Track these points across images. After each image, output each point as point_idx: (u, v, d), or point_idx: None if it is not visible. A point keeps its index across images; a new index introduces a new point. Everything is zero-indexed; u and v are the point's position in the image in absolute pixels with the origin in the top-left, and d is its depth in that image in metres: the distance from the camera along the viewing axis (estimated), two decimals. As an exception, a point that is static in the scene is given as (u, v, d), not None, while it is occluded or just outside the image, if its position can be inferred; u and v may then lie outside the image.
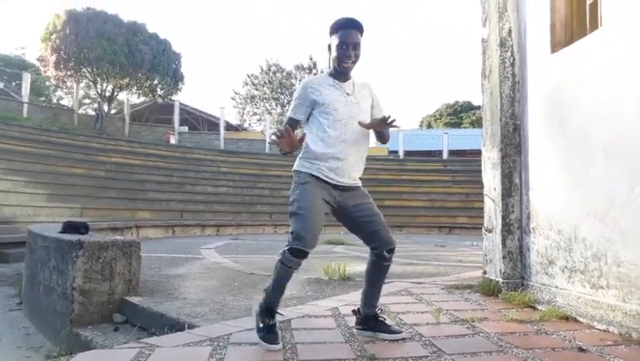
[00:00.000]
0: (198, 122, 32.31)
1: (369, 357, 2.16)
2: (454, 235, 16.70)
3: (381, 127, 2.49)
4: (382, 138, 2.61)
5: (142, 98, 28.66)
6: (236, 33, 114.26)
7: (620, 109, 2.69)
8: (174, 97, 27.71)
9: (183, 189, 18.08)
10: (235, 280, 4.71)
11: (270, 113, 33.15)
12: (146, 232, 11.89)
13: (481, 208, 4.00)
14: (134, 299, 3.63)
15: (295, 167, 2.52)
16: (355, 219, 2.50)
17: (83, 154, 17.31)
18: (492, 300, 3.50)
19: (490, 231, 3.83)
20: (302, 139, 2.30)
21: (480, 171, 4.04)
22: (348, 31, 2.43)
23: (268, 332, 2.32)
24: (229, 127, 30.65)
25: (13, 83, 30.48)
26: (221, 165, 21.51)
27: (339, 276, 4.67)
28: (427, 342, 2.41)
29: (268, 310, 2.37)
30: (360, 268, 2.65)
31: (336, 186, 2.45)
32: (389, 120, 2.40)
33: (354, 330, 2.59)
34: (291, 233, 2.34)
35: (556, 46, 3.37)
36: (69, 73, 23.82)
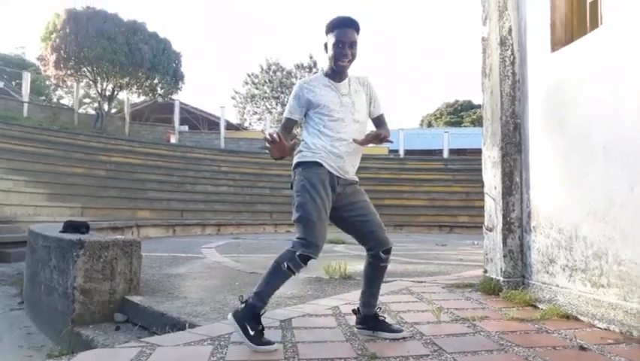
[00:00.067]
0: (198, 121, 32.31)
1: (370, 356, 2.16)
2: (455, 234, 16.69)
3: (375, 142, 2.48)
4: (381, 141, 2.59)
5: (142, 98, 28.68)
6: (236, 32, 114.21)
7: (620, 108, 2.69)
8: (174, 96, 27.75)
9: (184, 189, 18.09)
10: (236, 280, 4.71)
11: (271, 113, 33.18)
12: (147, 232, 11.90)
13: (482, 207, 4.00)
14: (135, 299, 3.63)
15: (298, 159, 2.46)
16: (350, 218, 2.49)
17: (83, 153, 17.32)
18: (493, 299, 3.50)
19: (490, 230, 3.83)
20: (292, 147, 2.29)
21: (480, 170, 4.04)
22: (344, 29, 2.42)
23: (261, 335, 2.29)
24: (229, 126, 30.65)
25: (14, 83, 30.49)
26: (222, 164, 21.52)
27: (339, 275, 4.67)
28: (428, 341, 2.41)
29: (256, 317, 2.31)
30: (361, 266, 2.65)
31: (337, 178, 2.44)
32: (382, 136, 2.40)
33: (355, 329, 2.60)
34: (301, 239, 2.31)
35: (556, 44, 3.37)
36: (69, 72, 23.83)
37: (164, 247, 8.71)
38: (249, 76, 35.31)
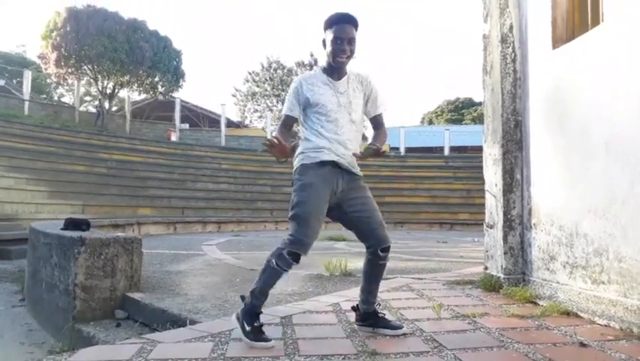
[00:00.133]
0: (199, 119, 32.30)
1: (370, 352, 2.16)
2: (456, 231, 16.69)
3: (373, 156, 2.46)
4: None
5: (143, 96, 28.69)
6: (237, 31, 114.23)
7: (621, 105, 2.69)
8: (175, 94, 27.72)
9: (184, 186, 18.11)
10: (236, 276, 4.72)
11: (271, 110, 33.14)
12: (148, 229, 11.91)
13: (483, 204, 4.00)
14: (136, 295, 3.64)
15: (298, 162, 2.47)
16: (351, 215, 2.48)
17: (84, 151, 17.34)
18: (493, 295, 3.50)
19: (491, 227, 3.83)
20: (293, 148, 2.29)
21: (481, 167, 4.04)
22: (342, 26, 2.41)
23: (258, 332, 2.29)
24: (230, 124, 30.65)
25: (15, 81, 30.49)
26: (223, 161, 21.53)
27: (340, 272, 4.67)
28: (428, 337, 2.41)
29: (252, 314, 2.33)
30: (362, 264, 2.65)
31: (341, 173, 2.44)
32: (381, 152, 2.39)
33: (355, 326, 2.60)
34: (290, 236, 2.33)
35: (557, 42, 3.36)
36: (70, 70, 23.82)
37: (165, 244, 8.72)
38: (250, 74, 35.28)
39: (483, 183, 3.99)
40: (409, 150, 27.17)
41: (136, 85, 25.97)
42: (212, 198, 17.95)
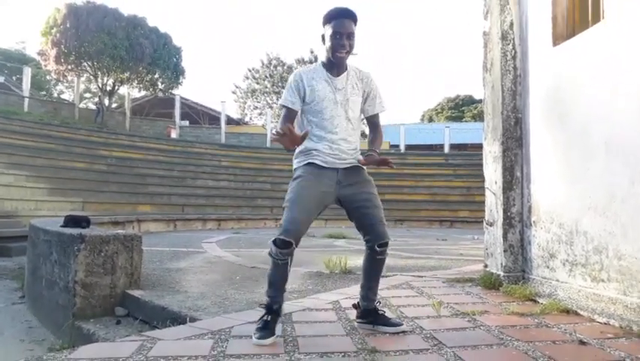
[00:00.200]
0: (199, 116, 32.28)
1: (370, 350, 2.16)
2: (455, 229, 16.71)
3: (379, 165, 2.46)
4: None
5: (143, 92, 28.65)
6: (237, 29, 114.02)
7: (622, 103, 2.68)
8: (175, 91, 27.72)
9: (184, 183, 18.12)
10: (237, 274, 4.72)
11: (271, 107, 33.15)
12: (148, 226, 11.91)
13: (483, 202, 4.00)
14: (136, 293, 3.64)
15: (296, 164, 2.53)
16: (353, 209, 2.49)
17: (84, 148, 17.34)
18: (493, 293, 3.50)
19: (491, 224, 3.83)
20: (304, 136, 2.28)
21: (481, 165, 4.04)
22: (341, 20, 2.40)
23: (263, 327, 2.30)
24: (230, 121, 30.64)
25: (14, 78, 30.46)
26: (223, 159, 21.53)
27: (340, 269, 4.68)
28: (428, 335, 2.41)
29: (267, 307, 2.36)
30: (361, 261, 2.65)
31: (336, 169, 2.46)
32: (386, 162, 2.39)
33: (355, 323, 2.60)
34: (280, 226, 2.37)
35: (557, 39, 3.36)
36: (70, 67, 23.82)
37: (165, 241, 8.72)
38: (250, 71, 35.32)
39: (483, 181, 3.99)
40: (409, 147, 27.17)
41: (136, 82, 25.96)
42: (212, 195, 17.96)
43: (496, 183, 3.76)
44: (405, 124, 29.71)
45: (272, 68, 34.71)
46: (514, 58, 3.76)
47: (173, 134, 25.40)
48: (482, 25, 4.05)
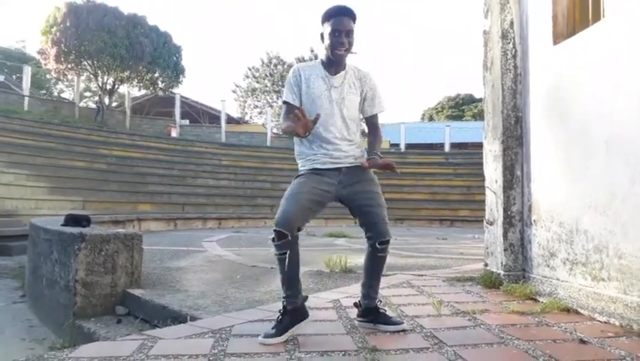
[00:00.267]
0: (199, 115, 32.26)
1: (370, 349, 2.16)
2: (456, 228, 16.71)
3: (383, 169, 2.44)
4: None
5: (143, 91, 28.59)
6: (237, 29, 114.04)
7: (622, 102, 2.68)
8: (175, 90, 27.65)
9: (185, 182, 18.10)
10: (237, 273, 4.72)
11: (271, 106, 33.08)
12: (148, 225, 11.91)
13: (483, 201, 4.00)
14: (137, 292, 3.64)
15: (298, 166, 2.57)
16: (356, 208, 2.51)
17: (84, 147, 17.33)
18: (493, 292, 3.50)
19: (491, 223, 3.83)
20: (315, 120, 2.27)
21: (482, 164, 4.04)
22: (340, 18, 2.40)
23: (273, 326, 2.32)
24: (230, 120, 30.61)
25: (14, 76, 30.43)
26: (223, 158, 21.52)
27: (340, 268, 4.68)
28: (428, 334, 2.42)
29: (283, 306, 2.37)
30: (362, 260, 2.65)
31: (337, 170, 2.46)
32: (391, 167, 2.38)
33: (356, 322, 2.60)
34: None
35: (558, 37, 3.36)
36: (70, 66, 23.76)
37: (166, 240, 8.72)
38: (250, 69, 35.18)
39: (483, 180, 3.99)
40: (409, 146, 27.14)
41: (136, 81, 25.90)
42: (212, 194, 17.95)
43: (496, 182, 3.76)
44: (405, 123, 29.66)
45: (272, 66, 34.62)
46: (514, 57, 3.75)
47: (174, 133, 25.38)
48: (482, 24, 4.04)
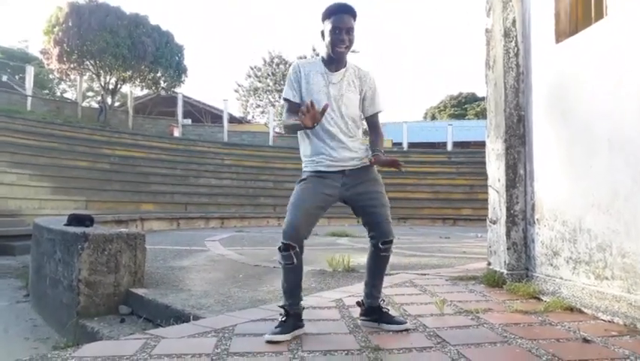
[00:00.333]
0: (202, 114, 32.29)
1: (373, 348, 2.16)
2: (459, 227, 16.69)
3: (388, 166, 2.46)
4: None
5: (145, 91, 28.63)
6: (239, 29, 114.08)
7: (625, 100, 2.67)
8: (177, 89, 27.68)
9: (187, 182, 18.13)
10: (240, 272, 4.73)
11: (274, 105, 33.10)
12: (151, 225, 11.92)
13: (486, 200, 4.00)
14: (140, 291, 3.65)
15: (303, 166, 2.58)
16: (359, 208, 2.51)
17: (86, 147, 17.36)
18: (496, 291, 3.50)
19: (494, 222, 3.82)
20: (323, 110, 2.26)
21: (484, 163, 4.03)
22: (340, 16, 2.40)
23: (277, 325, 2.33)
24: (232, 119, 30.63)
25: (17, 76, 30.52)
26: (225, 157, 21.54)
27: (343, 268, 4.68)
28: (432, 333, 2.42)
29: (286, 311, 2.38)
30: (364, 259, 2.65)
31: (341, 172, 2.46)
32: (397, 164, 2.40)
33: (359, 321, 2.60)
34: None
35: (560, 36, 3.35)
36: (72, 66, 23.81)
37: (168, 240, 8.73)
38: (252, 69, 35.21)
39: (486, 179, 3.98)
40: (411, 145, 27.12)
41: (138, 80, 25.94)
42: (215, 193, 17.97)
43: (499, 180, 3.75)
44: (407, 122, 29.62)
45: (274, 66, 34.65)
46: (516, 55, 3.74)
47: (176, 133, 25.39)
48: (484, 22, 4.03)
